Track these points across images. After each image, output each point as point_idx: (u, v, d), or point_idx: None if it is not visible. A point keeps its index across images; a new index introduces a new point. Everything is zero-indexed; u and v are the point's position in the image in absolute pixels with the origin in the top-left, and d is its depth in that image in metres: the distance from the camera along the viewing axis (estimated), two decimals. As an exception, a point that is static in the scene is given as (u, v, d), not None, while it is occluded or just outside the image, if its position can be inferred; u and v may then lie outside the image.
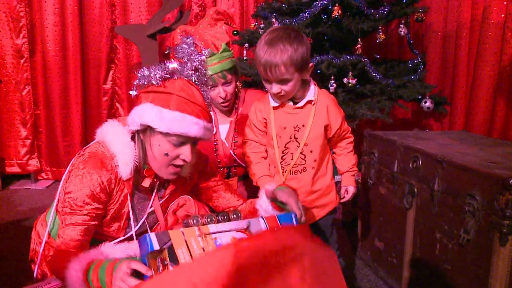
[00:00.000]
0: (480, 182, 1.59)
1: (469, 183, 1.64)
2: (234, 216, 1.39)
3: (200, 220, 1.34)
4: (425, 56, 3.23)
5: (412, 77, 2.86)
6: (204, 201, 1.89)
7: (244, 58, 3.01)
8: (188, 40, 1.89)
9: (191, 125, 1.49)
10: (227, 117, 2.40)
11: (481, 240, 1.58)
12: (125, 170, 1.53)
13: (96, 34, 3.87)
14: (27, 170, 3.99)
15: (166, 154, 1.53)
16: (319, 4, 2.59)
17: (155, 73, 1.52)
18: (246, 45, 3.02)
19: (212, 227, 1.31)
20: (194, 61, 1.76)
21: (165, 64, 1.55)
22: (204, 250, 1.26)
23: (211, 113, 2.35)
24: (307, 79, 1.78)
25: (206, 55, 2.04)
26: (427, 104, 2.80)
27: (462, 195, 1.67)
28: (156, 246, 1.22)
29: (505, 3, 3.21)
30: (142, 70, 1.54)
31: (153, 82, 1.52)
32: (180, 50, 1.88)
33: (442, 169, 1.80)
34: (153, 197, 1.69)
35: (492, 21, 3.27)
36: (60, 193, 1.63)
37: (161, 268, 1.22)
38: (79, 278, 1.31)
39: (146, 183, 1.61)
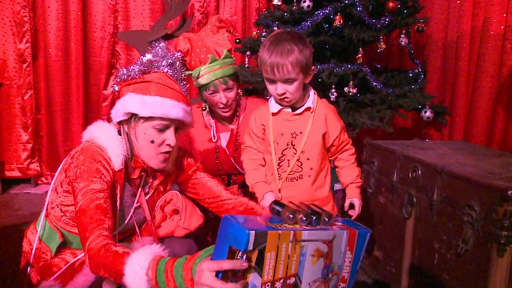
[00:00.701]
0: (478, 193, 1.60)
1: (468, 193, 1.65)
2: (326, 219, 1.28)
3: (296, 217, 1.22)
4: (426, 66, 3.25)
5: (413, 86, 2.87)
6: (189, 195, 1.90)
7: (246, 66, 3.02)
8: (161, 44, 1.90)
9: (172, 107, 1.57)
10: (228, 125, 2.41)
11: (479, 251, 1.59)
12: (116, 160, 1.57)
13: (98, 39, 3.90)
14: (28, 174, 4.00)
15: (152, 141, 1.58)
16: (321, 13, 2.60)
17: (133, 68, 1.63)
18: (248, 53, 3.03)
19: (305, 234, 1.19)
20: (169, 59, 1.80)
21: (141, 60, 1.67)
22: (289, 258, 1.16)
23: (212, 121, 2.37)
24: (307, 84, 1.80)
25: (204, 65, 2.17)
26: (427, 114, 2.81)
27: (461, 205, 1.68)
28: (251, 247, 1.06)
29: (504, 15, 3.24)
30: (121, 69, 1.66)
31: (132, 75, 1.62)
32: (154, 52, 1.88)
33: (441, 179, 1.81)
34: (139, 192, 1.71)
35: (492, 33, 3.29)
36: (51, 194, 1.67)
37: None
38: (143, 276, 1.20)
39: (135, 174, 1.65)
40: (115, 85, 1.73)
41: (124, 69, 1.64)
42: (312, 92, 1.83)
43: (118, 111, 1.59)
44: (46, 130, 3.98)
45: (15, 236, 2.83)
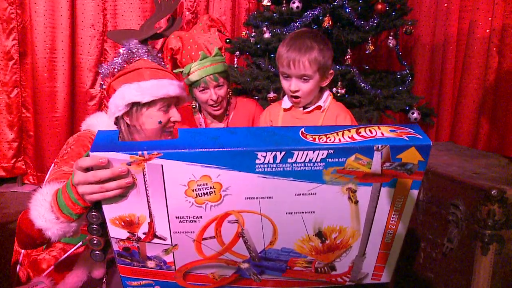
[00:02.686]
0: (463, 192, 1.63)
1: (453, 193, 1.68)
2: None
3: None
4: (413, 68, 3.29)
5: (400, 88, 2.89)
6: None
7: (235, 66, 3.03)
8: (134, 41, 1.91)
9: (170, 86, 1.65)
10: (218, 123, 2.42)
11: (464, 249, 1.62)
12: None
13: (86, 37, 3.87)
14: (13, 173, 3.96)
15: (160, 122, 1.65)
16: (310, 14, 2.62)
17: (116, 61, 1.70)
18: (237, 53, 3.04)
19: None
20: (143, 49, 1.84)
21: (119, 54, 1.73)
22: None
23: (202, 120, 2.39)
24: (325, 87, 1.78)
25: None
26: (415, 115, 2.83)
27: (446, 205, 1.71)
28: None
29: (490, 18, 3.30)
30: (102, 65, 1.74)
31: (116, 68, 1.69)
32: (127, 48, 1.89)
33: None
34: None
35: (478, 36, 3.35)
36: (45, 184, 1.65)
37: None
38: (47, 202, 1.18)
39: None
40: (102, 83, 1.76)
41: (104, 65, 1.72)
42: (327, 93, 1.81)
43: (118, 105, 1.62)
44: (33, 129, 3.94)
45: (2, 235, 2.81)
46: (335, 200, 1.07)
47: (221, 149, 0.96)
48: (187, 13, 3.98)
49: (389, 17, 2.81)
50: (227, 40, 2.71)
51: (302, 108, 1.78)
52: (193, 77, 2.23)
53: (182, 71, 2.27)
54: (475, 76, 3.40)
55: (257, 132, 1.03)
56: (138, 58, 1.75)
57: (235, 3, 4.02)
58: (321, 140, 1.00)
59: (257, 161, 0.98)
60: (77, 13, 3.83)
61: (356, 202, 1.09)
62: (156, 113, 1.64)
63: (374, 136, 1.01)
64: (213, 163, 0.98)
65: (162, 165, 0.96)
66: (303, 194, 1.05)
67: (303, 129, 1.03)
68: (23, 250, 1.67)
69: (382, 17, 2.75)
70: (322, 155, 0.99)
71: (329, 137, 1.01)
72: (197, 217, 1.05)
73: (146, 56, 1.80)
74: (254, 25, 3.04)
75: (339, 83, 2.61)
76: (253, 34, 2.94)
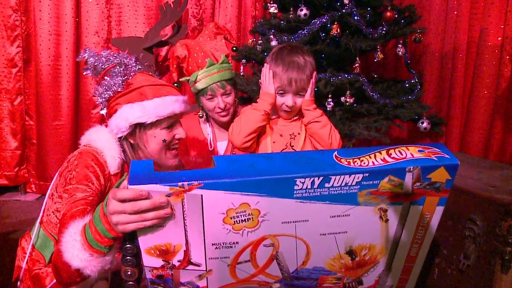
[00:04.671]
0: (480, 207, 1.57)
1: (470, 207, 1.62)
2: None
3: None
4: (422, 77, 3.23)
5: (409, 97, 2.84)
6: None
7: (241, 74, 2.99)
8: (105, 53, 1.82)
9: (173, 103, 1.63)
10: (226, 132, 2.36)
11: (482, 266, 1.55)
12: (112, 164, 1.58)
13: (91, 44, 3.84)
14: (16, 182, 3.92)
15: (164, 140, 1.64)
16: (318, 22, 2.58)
17: (114, 82, 1.61)
18: (244, 61, 2.99)
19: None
20: (131, 59, 1.75)
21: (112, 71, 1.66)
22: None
23: (209, 129, 2.34)
24: None
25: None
26: (424, 124, 2.78)
27: (462, 220, 1.65)
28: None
29: (502, 26, 3.24)
30: (97, 88, 1.66)
31: (118, 89, 1.62)
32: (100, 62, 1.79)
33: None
34: None
35: (489, 44, 3.30)
36: (47, 201, 1.65)
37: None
38: (77, 241, 1.18)
39: None
40: (102, 108, 1.70)
41: (100, 88, 1.64)
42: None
43: (120, 126, 1.59)
44: (37, 137, 3.89)
45: (4, 244, 2.76)
46: (367, 220, 1.11)
47: (261, 177, 0.98)
48: (192, 20, 3.95)
49: (398, 25, 2.76)
50: (234, 48, 2.67)
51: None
52: (200, 85, 2.20)
53: (189, 79, 2.23)
54: (486, 84, 3.35)
55: (293, 157, 1.07)
56: (133, 72, 1.69)
57: (241, 10, 3.98)
58: (355, 164, 1.04)
59: (296, 187, 1.01)
60: (81, 20, 3.80)
61: (387, 221, 1.13)
62: (160, 132, 1.63)
63: (404, 158, 1.06)
64: (252, 191, 1.00)
65: (201, 195, 0.98)
66: (337, 216, 1.08)
67: (336, 153, 1.07)
68: (25, 260, 1.64)
69: (391, 25, 2.71)
70: (358, 178, 1.03)
71: (362, 160, 1.05)
72: (233, 243, 1.08)
73: (135, 66, 1.74)
74: (261, 33, 3.00)
75: (348, 92, 2.56)
76: (260, 41, 2.89)
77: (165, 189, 0.97)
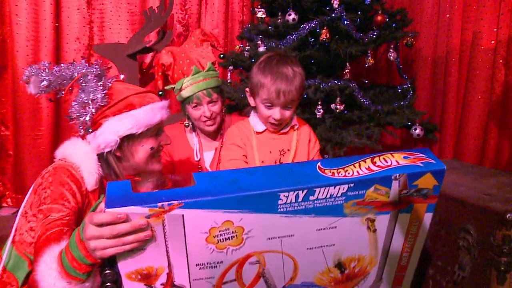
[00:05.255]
0: (474, 216, 1.58)
1: (463, 216, 1.63)
2: None
3: None
4: (415, 82, 3.26)
5: (402, 103, 2.87)
6: None
7: (228, 81, 3.00)
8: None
9: (160, 110, 1.64)
10: (212, 141, 2.40)
11: (477, 278, 1.57)
12: (90, 180, 1.55)
13: (71, 51, 3.83)
14: (-9, 196, 3.88)
15: (152, 148, 1.65)
16: (307, 27, 2.60)
17: (94, 97, 1.54)
18: (231, 67, 3.01)
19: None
20: (95, 68, 1.68)
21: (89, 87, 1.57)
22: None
23: (195, 139, 2.35)
24: None
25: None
26: (417, 131, 2.81)
27: (455, 229, 1.66)
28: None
29: (495, 29, 3.28)
30: (71, 111, 1.58)
31: (102, 104, 1.56)
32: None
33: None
34: None
35: (482, 47, 3.34)
36: (20, 219, 1.61)
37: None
38: (53, 270, 1.16)
39: None
40: (85, 128, 1.62)
41: (75, 107, 1.56)
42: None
43: (110, 141, 1.56)
44: (13, 148, 3.85)
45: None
46: (354, 231, 1.11)
47: (243, 194, 0.98)
48: (178, 25, 3.96)
49: (389, 29, 2.79)
50: (221, 55, 2.68)
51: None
52: (185, 93, 2.21)
53: (174, 87, 2.24)
54: (480, 89, 3.38)
55: (275, 170, 1.07)
56: (109, 82, 1.63)
57: (228, 15, 4.01)
58: (340, 174, 1.04)
59: (280, 202, 1.01)
60: (62, 25, 3.79)
61: (375, 231, 1.14)
62: (148, 140, 1.63)
63: (390, 165, 1.07)
64: (235, 208, 0.99)
65: (183, 215, 0.97)
66: (324, 229, 1.09)
67: (319, 164, 1.08)
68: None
69: (381, 29, 2.74)
70: (343, 189, 1.03)
71: (347, 170, 1.06)
72: (218, 262, 1.07)
73: (101, 75, 1.67)
74: (248, 38, 3.02)
75: (338, 98, 2.58)
76: (247, 47, 2.92)
77: (144, 211, 0.96)
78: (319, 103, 2.59)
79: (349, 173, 1.05)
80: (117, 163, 1.64)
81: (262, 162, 1.82)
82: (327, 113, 2.66)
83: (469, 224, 1.60)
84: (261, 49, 2.75)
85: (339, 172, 1.05)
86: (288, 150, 1.84)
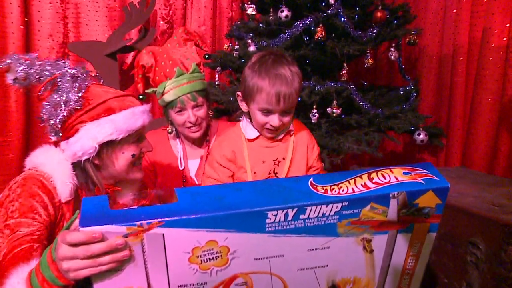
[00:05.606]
0: (483, 229, 1.59)
1: (471, 229, 1.64)
2: None
3: None
4: (418, 83, 3.27)
5: (404, 106, 2.89)
6: None
7: (216, 83, 3.00)
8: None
9: (142, 115, 1.65)
10: (198, 149, 2.40)
11: (486, 296, 1.57)
12: (64, 190, 1.55)
13: (44, 49, 3.76)
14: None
15: (134, 155, 1.66)
16: (301, 24, 2.60)
17: (68, 98, 1.54)
18: (219, 68, 3.01)
19: None
20: (77, 69, 1.67)
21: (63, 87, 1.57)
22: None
23: (179, 146, 2.35)
24: None
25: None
26: (421, 136, 2.82)
27: (463, 243, 1.67)
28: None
29: (507, 25, 3.26)
30: (42, 112, 1.58)
31: (77, 107, 1.55)
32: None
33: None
34: None
35: (493, 45, 3.32)
36: None
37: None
38: None
39: None
40: (54, 133, 1.62)
41: (48, 108, 1.57)
42: None
43: (87, 148, 1.56)
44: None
45: None
46: (349, 251, 1.12)
47: (228, 212, 0.99)
48: (161, 22, 3.95)
49: (390, 26, 2.81)
50: (206, 56, 2.68)
51: None
52: (168, 97, 2.20)
53: (156, 90, 2.24)
54: (490, 90, 3.36)
55: (264, 187, 1.08)
56: (86, 84, 1.63)
57: (216, 11, 4.01)
58: (333, 192, 1.06)
59: (268, 221, 1.02)
60: (32, 20, 3.73)
61: (371, 251, 1.15)
62: (129, 147, 1.64)
63: (388, 182, 1.08)
64: (220, 227, 1.00)
65: (163, 234, 0.98)
66: (316, 249, 1.10)
67: (312, 179, 1.09)
68: None
69: (382, 26, 2.76)
70: (336, 208, 1.05)
71: (341, 187, 1.07)
72: (201, 283, 1.08)
73: (84, 76, 1.67)
74: (238, 37, 3.03)
75: (334, 102, 2.59)
76: (237, 47, 2.92)
77: (121, 230, 0.96)
78: (314, 106, 2.60)
79: (343, 190, 1.06)
80: (95, 171, 1.64)
81: (255, 173, 1.81)
82: (323, 117, 2.67)
83: (477, 238, 1.60)
84: (252, 48, 2.76)
85: (333, 189, 1.06)
86: (284, 158, 1.83)
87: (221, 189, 1.06)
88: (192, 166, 2.37)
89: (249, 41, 2.80)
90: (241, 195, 1.03)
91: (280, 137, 1.83)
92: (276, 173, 1.81)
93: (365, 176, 1.09)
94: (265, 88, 1.65)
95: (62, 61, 1.62)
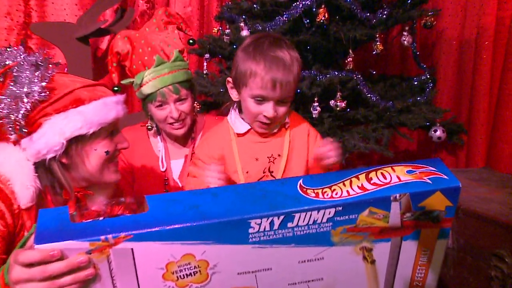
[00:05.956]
0: (510, 239, 1.59)
1: (496, 240, 1.64)
2: None
3: None
4: (436, 72, 3.27)
5: (419, 98, 2.89)
6: None
7: (205, 72, 2.99)
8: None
9: (115, 106, 1.63)
10: (182, 147, 2.39)
11: (511, 317, 1.57)
12: (24, 195, 1.51)
13: (1, 30, 3.68)
14: None
15: (107, 152, 1.62)
16: (300, 5, 2.60)
17: (31, 89, 1.50)
18: (207, 56, 3.00)
19: None
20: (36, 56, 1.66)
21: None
22: None
23: (160, 144, 2.34)
24: None
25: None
26: (438, 133, 2.82)
27: (486, 255, 1.66)
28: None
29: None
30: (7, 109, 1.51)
31: (39, 98, 1.51)
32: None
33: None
34: None
35: (526, 27, 3.30)
36: None
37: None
38: None
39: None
40: (17, 129, 1.60)
41: (13, 105, 1.50)
42: None
43: (53, 144, 1.52)
44: None
45: None
46: (347, 262, 1.12)
47: (205, 222, 0.99)
48: (141, 2, 3.93)
49: (403, 7, 2.81)
50: (191, 41, 2.66)
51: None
52: (146, 89, 2.19)
53: (133, 81, 2.24)
54: (520, 80, 3.35)
55: (246, 191, 1.08)
56: (49, 73, 1.58)
57: (204, -10, 4.00)
58: (325, 195, 1.05)
59: (251, 230, 1.02)
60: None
61: (373, 262, 1.14)
62: (101, 142, 1.60)
63: (388, 183, 1.07)
64: (196, 239, 1.00)
65: (132, 249, 0.97)
66: (308, 261, 1.09)
67: (301, 181, 1.09)
68: None
69: (393, 7, 2.75)
70: (329, 214, 1.04)
71: (334, 189, 1.06)
72: None
73: (44, 65, 1.60)
74: (229, 19, 3.02)
75: (338, 94, 2.59)
76: (227, 31, 2.92)
77: (84, 245, 0.95)
78: (316, 99, 2.60)
79: (337, 194, 1.05)
80: (63, 172, 1.60)
81: (247, 173, 1.79)
82: (325, 111, 2.67)
83: (503, 250, 1.60)
84: (244, 32, 2.75)
85: (325, 192, 1.06)
86: (279, 155, 1.80)
87: (197, 196, 1.06)
88: (175, 167, 2.36)
89: (242, 24, 2.78)
90: (219, 202, 1.03)
91: (275, 130, 1.81)
92: (272, 171, 1.80)
93: (362, 176, 1.09)
94: (260, 72, 1.63)
95: (14, 48, 1.57)
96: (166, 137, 2.39)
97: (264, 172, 1.80)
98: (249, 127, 1.80)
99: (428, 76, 3.01)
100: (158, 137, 2.39)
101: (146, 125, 2.36)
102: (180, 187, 2.32)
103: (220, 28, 3.11)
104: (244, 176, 1.80)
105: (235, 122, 1.82)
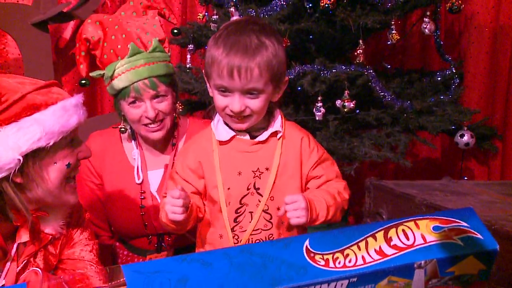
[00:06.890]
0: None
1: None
2: None
3: None
4: (463, 66, 3.28)
5: (442, 97, 2.92)
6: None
7: (188, 66, 3.02)
8: None
9: (76, 110, 1.61)
10: (160, 155, 2.37)
11: None
12: None
13: None
14: None
15: (69, 165, 1.61)
16: (301, -14, 2.62)
17: None
18: (191, 46, 3.03)
19: None
20: None
21: None
22: None
23: (136, 151, 2.31)
24: (273, 104, 1.82)
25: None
26: (465, 138, 2.87)
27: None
28: None
29: None
30: None
31: None
32: None
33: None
34: (7, 265, 1.65)
35: None
36: None
37: None
38: None
39: (21, 236, 1.63)
40: None
41: None
42: (278, 112, 1.86)
43: (6, 161, 1.48)
44: None
45: None
46: None
47: None
48: (112, -18, 3.94)
49: (423, -13, 2.83)
50: (175, 31, 2.64)
51: (248, 137, 1.81)
52: (118, 83, 2.17)
53: (104, 74, 2.22)
54: None
55: (241, 260, 1.06)
56: None
57: (188, -31, 3.97)
58: (336, 263, 1.04)
59: None
60: None
61: None
62: (62, 154, 1.60)
63: (412, 246, 1.06)
64: None
65: None
66: None
67: (307, 243, 1.07)
68: None
69: (412, -13, 2.78)
70: (341, 286, 1.03)
71: (347, 254, 1.05)
72: None
73: None
74: (217, 4, 3.03)
75: (346, 92, 2.60)
76: (215, 17, 2.92)
77: None
78: (319, 98, 2.61)
79: (350, 261, 1.04)
80: (17, 193, 1.57)
81: (228, 189, 1.79)
82: (330, 112, 2.70)
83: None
84: (235, 19, 2.71)
85: (336, 258, 1.04)
86: (267, 169, 1.79)
87: (185, 265, 1.04)
88: (153, 179, 2.34)
89: (232, 9, 2.78)
90: (211, 275, 1.01)
91: (263, 138, 1.80)
92: (258, 188, 1.78)
93: (380, 236, 1.07)
94: (217, 58, 1.64)
95: None
96: (143, 142, 2.35)
97: (248, 189, 1.79)
98: (234, 134, 1.79)
99: (454, 71, 3.02)
100: (133, 142, 2.36)
101: (119, 127, 2.31)
102: (158, 202, 2.25)
103: (206, 13, 3.12)
104: (225, 193, 1.79)
105: (218, 127, 1.82)
